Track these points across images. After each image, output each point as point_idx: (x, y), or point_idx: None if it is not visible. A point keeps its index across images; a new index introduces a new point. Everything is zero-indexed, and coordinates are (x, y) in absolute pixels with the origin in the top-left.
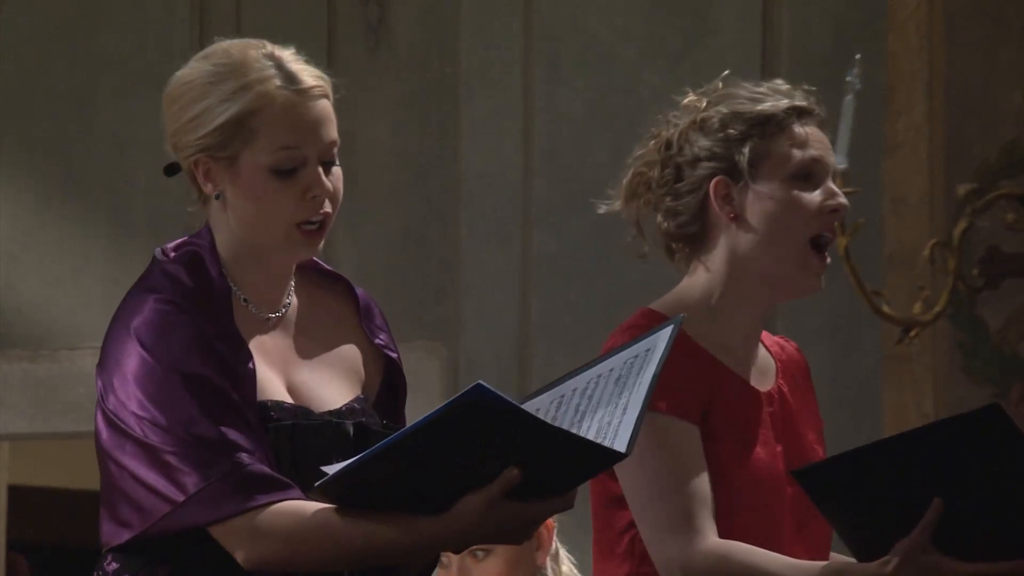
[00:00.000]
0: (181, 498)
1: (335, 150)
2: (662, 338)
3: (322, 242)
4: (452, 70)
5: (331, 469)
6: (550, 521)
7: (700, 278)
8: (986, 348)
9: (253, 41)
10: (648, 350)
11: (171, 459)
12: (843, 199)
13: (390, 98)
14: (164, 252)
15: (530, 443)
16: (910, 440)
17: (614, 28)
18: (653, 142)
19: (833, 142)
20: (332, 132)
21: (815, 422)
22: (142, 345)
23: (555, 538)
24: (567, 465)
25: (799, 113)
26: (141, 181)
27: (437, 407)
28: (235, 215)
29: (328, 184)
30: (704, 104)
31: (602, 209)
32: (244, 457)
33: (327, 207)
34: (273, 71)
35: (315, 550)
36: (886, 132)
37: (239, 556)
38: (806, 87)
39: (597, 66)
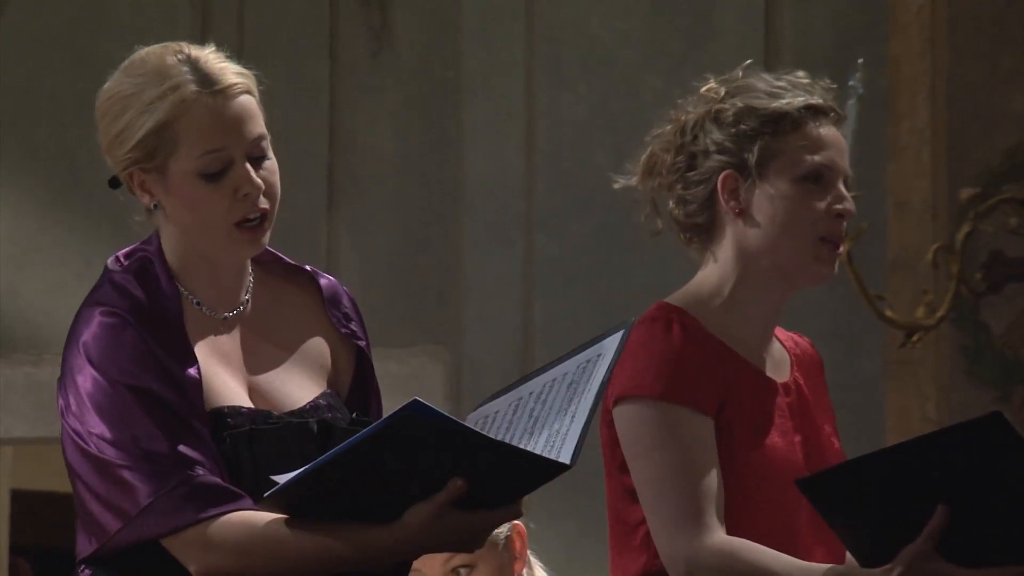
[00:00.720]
0: (133, 512)
1: (263, 144)
2: (611, 343)
3: (265, 236)
4: (454, 74)
5: (281, 479)
6: (523, 530)
7: (712, 270)
8: (989, 352)
9: (172, 45)
10: (600, 355)
11: (124, 473)
12: (850, 204)
13: (392, 102)
14: (117, 260)
15: (474, 456)
16: (913, 448)
17: (616, 32)
18: (671, 125)
19: None
20: (256, 127)
21: (830, 416)
22: (90, 362)
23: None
24: (513, 476)
25: (815, 112)
26: None
27: (375, 422)
28: (175, 223)
29: (258, 180)
30: (722, 94)
31: (618, 184)
32: (196, 469)
33: (263, 203)
34: (189, 76)
35: (266, 561)
36: (889, 137)
37: (192, 568)
38: (826, 83)
39: (599, 69)
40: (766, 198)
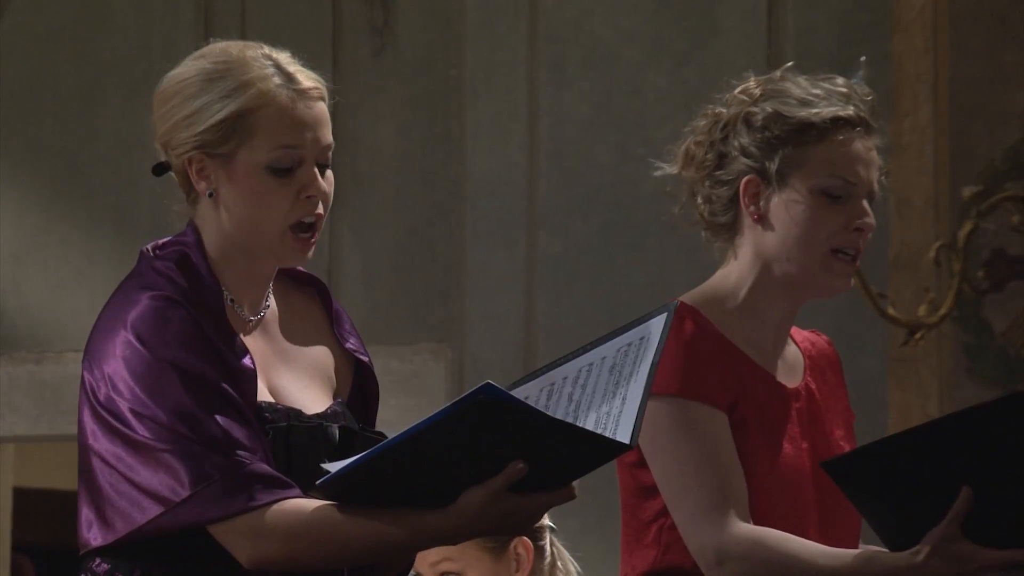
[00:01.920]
0: (178, 497)
1: (329, 154)
2: (656, 325)
3: (312, 250)
4: (457, 72)
5: (332, 467)
6: (528, 543)
7: (732, 270)
8: (991, 350)
9: (250, 43)
10: (643, 338)
11: (166, 456)
12: (871, 219)
13: (395, 101)
14: (153, 249)
15: (535, 437)
16: (937, 429)
17: (619, 30)
18: (706, 121)
19: None
20: (328, 135)
21: (845, 417)
22: (139, 339)
23: (553, 547)
24: (571, 458)
25: (843, 123)
26: (146, 183)
27: (443, 406)
28: (228, 214)
29: (324, 185)
30: (757, 95)
31: (658, 172)
32: (244, 455)
33: (320, 209)
34: (273, 70)
35: (319, 548)
36: (891, 134)
37: (241, 556)
38: (864, 92)
39: (602, 68)
40: (784, 207)
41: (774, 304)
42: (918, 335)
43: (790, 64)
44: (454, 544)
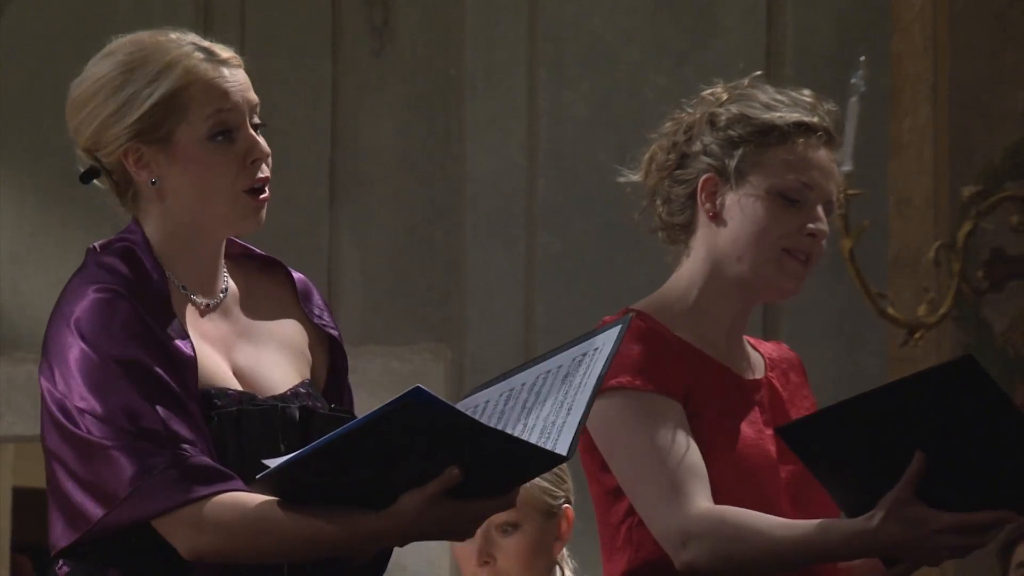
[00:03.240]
0: (123, 494)
1: (257, 111)
2: (609, 338)
3: (264, 210)
4: (456, 72)
5: (273, 462)
6: (571, 512)
7: (683, 274)
8: (991, 350)
9: (156, 30)
10: (596, 349)
11: (112, 453)
12: (823, 225)
13: (395, 100)
14: (97, 247)
15: (471, 444)
16: (889, 393)
17: (618, 30)
18: (672, 124)
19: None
20: (253, 95)
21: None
22: (82, 336)
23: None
24: (509, 465)
25: (805, 130)
26: None
27: (376, 408)
28: (175, 197)
29: (265, 146)
30: (723, 99)
31: (622, 179)
32: (186, 448)
33: (265, 171)
34: (191, 47)
35: (255, 543)
36: (891, 134)
37: (181, 548)
38: (830, 106)
39: (601, 68)
40: (739, 205)
41: (725, 306)
42: (918, 335)
43: (759, 73)
44: (396, 546)
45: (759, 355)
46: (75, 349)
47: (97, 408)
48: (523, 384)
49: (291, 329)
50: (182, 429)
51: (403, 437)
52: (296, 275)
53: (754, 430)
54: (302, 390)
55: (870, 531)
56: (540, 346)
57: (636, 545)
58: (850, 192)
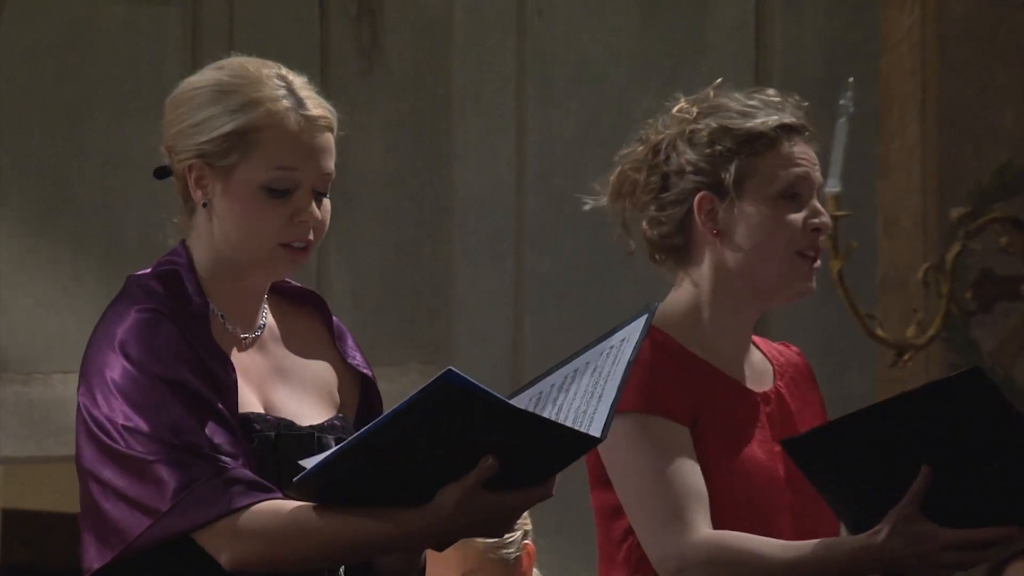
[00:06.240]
0: (164, 506)
1: (329, 183)
2: (635, 328)
3: (303, 263)
4: (445, 91)
5: (308, 463)
6: (532, 549)
7: (686, 291)
8: None
9: (269, 62)
10: (623, 340)
11: (155, 468)
12: (826, 218)
13: (383, 119)
14: (136, 274)
15: (504, 431)
16: (895, 406)
17: (607, 49)
18: (641, 145)
19: (826, 165)
20: (330, 164)
21: (820, 422)
22: (125, 355)
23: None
24: (543, 453)
25: (788, 131)
26: (134, 202)
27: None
28: (219, 226)
29: (317, 213)
30: (695, 114)
31: (588, 205)
32: (227, 460)
33: (311, 235)
34: (284, 92)
35: (296, 547)
36: (879, 155)
37: (222, 559)
38: (796, 100)
39: (590, 87)
40: (743, 218)
41: (735, 318)
42: (906, 356)
43: (719, 81)
44: (437, 547)
45: (767, 361)
46: (118, 368)
47: (141, 426)
48: (552, 386)
49: (323, 369)
50: (224, 443)
51: (436, 424)
52: (333, 317)
53: (763, 450)
54: (337, 423)
55: (875, 547)
56: (528, 365)
57: (635, 565)
58: (839, 213)
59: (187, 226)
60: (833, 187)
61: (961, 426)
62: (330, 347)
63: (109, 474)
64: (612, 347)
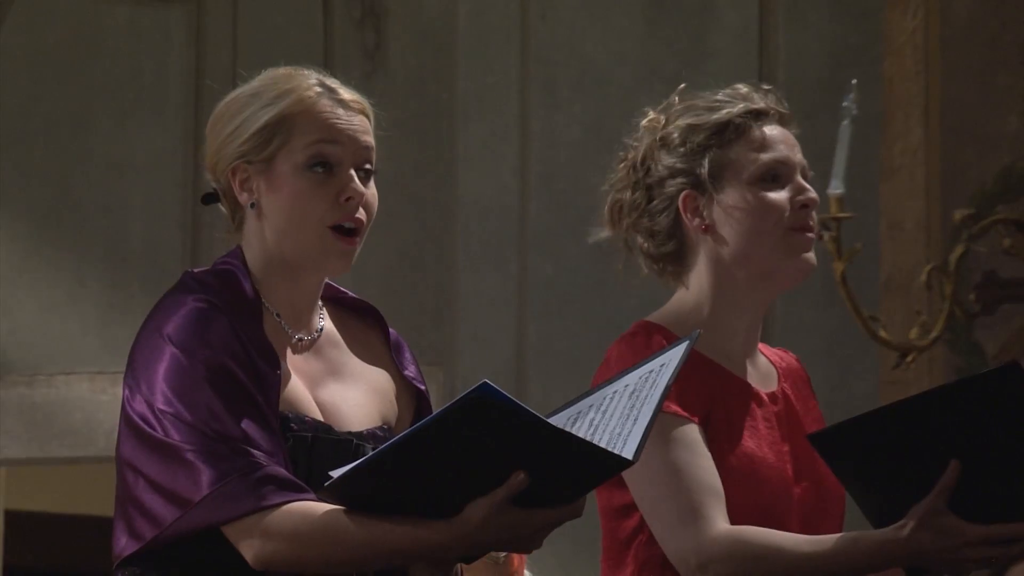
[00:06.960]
0: (197, 498)
1: (372, 159)
2: (677, 353)
3: (355, 252)
4: (448, 95)
5: (340, 471)
6: (522, 555)
7: (688, 292)
8: None
9: (295, 67)
10: (663, 365)
11: (190, 456)
12: (812, 193)
13: (386, 123)
14: (193, 270)
15: (536, 446)
16: (927, 401)
17: (611, 53)
18: (622, 165)
19: (829, 167)
20: (369, 140)
21: (819, 428)
22: (172, 342)
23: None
24: (574, 471)
25: (756, 115)
26: (137, 206)
27: (442, 407)
28: (268, 223)
29: (362, 188)
30: (663, 121)
31: (592, 239)
32: (262, 457)
33: (361, 214)
34: (316, 81)
35: (322, 551)
36: (882, 157)
37: (248, 555)
38: (765, 88)
39: (594, 91)
40: (726, 208)
41: (741, 310)
42: (909, 358)
43: (683, 86)
44: (464, 560)
45: (771, 364)
46: (165, 354)
47: (180, 410)
48: (590, 406)
49: (381, 376)
50: (261, 439)
51: (469, 437)
52: (390, 329)
53: (773, 450)
54: (379, 433)
55: (901, 540)
56: (532, 369)
57: (641, 565)
58: (842, 215)
59: (237, 237)
60: (836, 189)
61: (993, 421)
62: (387, 358)
63: (144, 463)
64: (652, 371)
